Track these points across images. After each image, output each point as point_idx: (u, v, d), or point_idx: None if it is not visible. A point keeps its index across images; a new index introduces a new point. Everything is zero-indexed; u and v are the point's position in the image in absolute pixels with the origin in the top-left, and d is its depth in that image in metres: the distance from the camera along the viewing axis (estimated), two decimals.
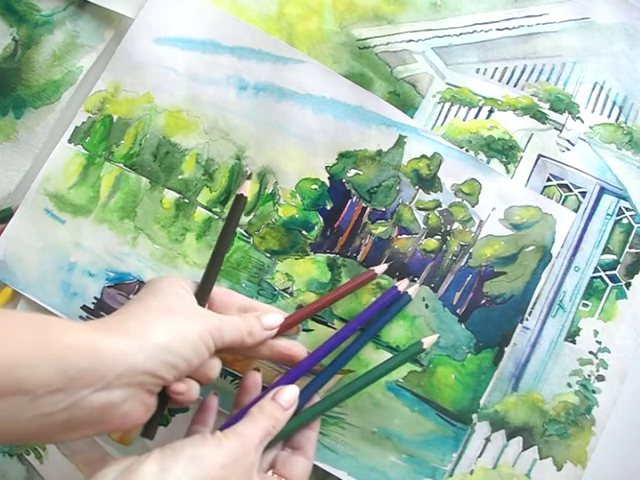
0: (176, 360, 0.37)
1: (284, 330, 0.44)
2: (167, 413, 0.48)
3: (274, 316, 0.43)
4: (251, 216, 0.50)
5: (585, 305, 0.49)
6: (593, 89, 0.52)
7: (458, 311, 0.49)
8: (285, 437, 0.42)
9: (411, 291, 0.47)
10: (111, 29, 0.53)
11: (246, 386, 0.44)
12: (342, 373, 0.47)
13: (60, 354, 0.33)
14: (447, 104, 0.52)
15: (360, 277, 0.47)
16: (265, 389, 0.44)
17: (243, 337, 0.41)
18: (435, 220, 0.50)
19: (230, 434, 0.37)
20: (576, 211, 0.50)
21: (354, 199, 0.50)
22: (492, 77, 0.52)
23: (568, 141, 0.51)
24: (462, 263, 0.49)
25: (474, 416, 0.48)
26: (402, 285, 0.47)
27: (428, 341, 0.45)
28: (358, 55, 0.52)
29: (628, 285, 0.50)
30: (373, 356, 0.48)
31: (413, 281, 0.49)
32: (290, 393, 0.41)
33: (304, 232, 0.50)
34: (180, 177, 0.51)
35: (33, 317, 0.35)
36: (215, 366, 0.41)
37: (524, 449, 0.48)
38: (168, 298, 0.39)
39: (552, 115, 0.52)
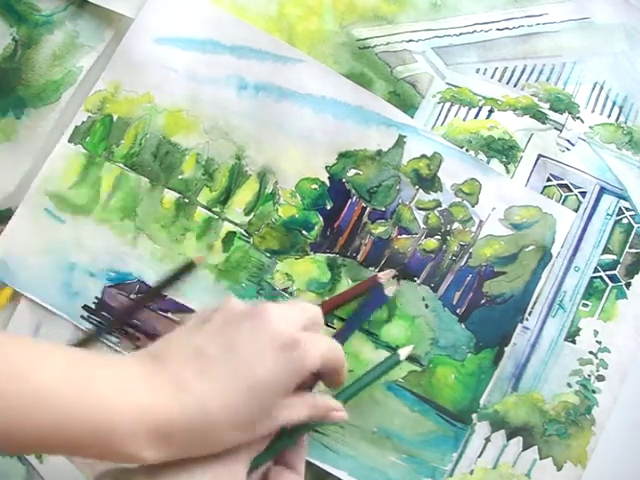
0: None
1: None
2: None
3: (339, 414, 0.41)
4: (251, 216, 0.50)
5: (585, 305, 0.49)
6: (593, 89, 0.52)
7: (458, 311, 0.49)
8: (274, 457, 0.41)
9: (388, 291, 0.48)
10: (111, 29, 0.53)
11: None
12: None
13: None
14: (447, 104, 0.52)
15: (364, 283, 0.48)
16: None
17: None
18: (435, 220, 0.50)
19: (215, 456, 0.36)
20: (576, 211, 0.50)
21: (354, 199, 0.50)
22: (492, 77, 0.52)
23: (568, 141, 0.51)
24: (462, 263, 0.49)
25: (474, 416, 0.48)
26: (384, 279, 0.48)
27: (404, 352, 0.46)
28: (358, 55, 0.52)
29: (628, 285, 0.50)
30: (372, 355, 0.48)
31: (413, 280, 0.49)
32: None
33: (304, 232, 0.50)
34: (180, 177, 0.51)
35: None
36: None
37: (524, 449, 0.48)
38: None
39: (552, 115, 0.52)
